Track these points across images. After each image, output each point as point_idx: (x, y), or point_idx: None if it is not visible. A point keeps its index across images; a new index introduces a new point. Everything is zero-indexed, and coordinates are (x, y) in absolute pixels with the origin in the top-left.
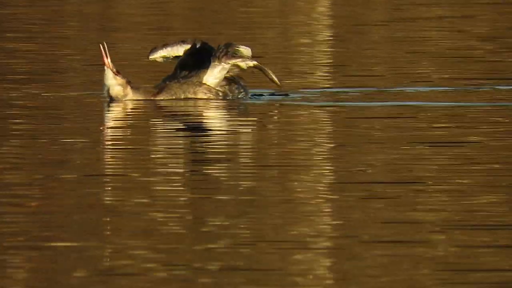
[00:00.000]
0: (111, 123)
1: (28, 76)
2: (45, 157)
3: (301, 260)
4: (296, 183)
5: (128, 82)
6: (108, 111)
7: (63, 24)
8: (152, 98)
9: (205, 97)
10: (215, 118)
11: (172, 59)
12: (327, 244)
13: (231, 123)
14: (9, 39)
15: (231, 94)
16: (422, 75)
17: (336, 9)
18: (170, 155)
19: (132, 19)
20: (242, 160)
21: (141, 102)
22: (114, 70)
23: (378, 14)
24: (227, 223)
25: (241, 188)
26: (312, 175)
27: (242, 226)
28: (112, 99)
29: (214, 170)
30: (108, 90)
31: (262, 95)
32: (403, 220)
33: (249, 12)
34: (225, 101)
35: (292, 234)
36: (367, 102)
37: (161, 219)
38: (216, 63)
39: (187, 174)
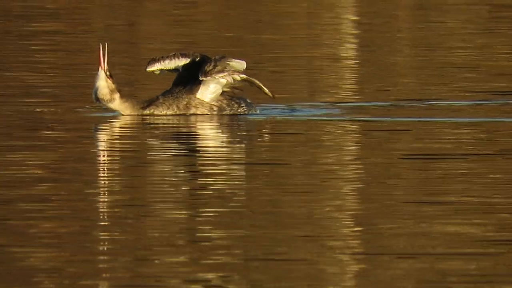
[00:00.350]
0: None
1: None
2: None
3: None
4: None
5: (118, 90)
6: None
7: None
8: (140, 111)
9: (198, 112)
10: (203, 133)
11: (170, 72)
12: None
13: (220, 138)
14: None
15: (228, 109)
16: (451, 87)
17: (363, 21)
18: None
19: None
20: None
21: (131, 117)
22: (108, 73)
23: (404, 23)
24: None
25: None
26: (338, 204)
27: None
28: (98, 100)
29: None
30: (96, 91)
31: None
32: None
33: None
34: (220, 116)
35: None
36: (386, 116)
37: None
38: (203, 78)
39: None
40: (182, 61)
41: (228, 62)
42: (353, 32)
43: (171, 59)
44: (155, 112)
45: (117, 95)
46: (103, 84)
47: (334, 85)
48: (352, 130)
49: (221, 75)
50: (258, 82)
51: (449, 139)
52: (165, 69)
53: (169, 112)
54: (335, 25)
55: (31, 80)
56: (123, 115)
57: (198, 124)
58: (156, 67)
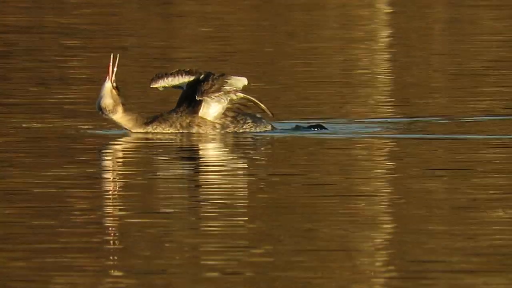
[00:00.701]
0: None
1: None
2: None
3: None
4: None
5: (123, 103)
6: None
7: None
8: (143, 126)
9: (201, 130)
10: (203, 151)
11: (174, 88)
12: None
13: (218, 157)
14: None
15: (232, 126)
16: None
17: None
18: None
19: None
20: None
21: (136, 134)
22: (114, 84)
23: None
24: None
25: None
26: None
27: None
28: (100, 110)
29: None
30: (100, 100)
31: (298, 126)
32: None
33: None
34: (222, 134)
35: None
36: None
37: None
38: (199, 97)
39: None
40: (186, 79)
41: (227, 80)
42: (386, 45)
43: (174, 76)
44: (157, 129)
45: (120, 108)
46: (107, 94)
47: (365, 101)
48: (384, 147)
49: (217, 94)
50: (256, 100)
51: (483, 153)
52: (169, 86)
53: (171, 130)
54: (368, 41)
55: (65, 95)
56: (125, 129)
57: (204, 142)
58: (160, 84)
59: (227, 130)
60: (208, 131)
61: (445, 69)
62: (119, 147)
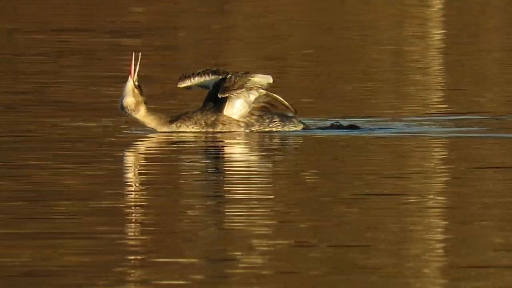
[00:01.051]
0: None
1: None
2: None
3: None
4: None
5: (145, 102)
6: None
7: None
8: (167, 125)
9: (225, 129)
10: (225, 150)
11: (201, 88)
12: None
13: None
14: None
15: (257, 124)
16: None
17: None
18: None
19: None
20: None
21: (161, 134)
22: (136, 83)
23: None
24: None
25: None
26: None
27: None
28: (123, 109)
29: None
30: (122, 99)
31: (339, 124)
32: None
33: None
34: (248, 132)
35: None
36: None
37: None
38: (220, 95)
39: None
40: (212, 78)
41: (250, 78)
42: (441, 43)
43: (201, 76)
44: (181, 128)
45: (142, 107)
46: (129, 93)
47: (420, 98)
48: (440, 144)
49: (239, 91)
50: (279, 97)
51: None
52: (196, 85)
53: (195, 128)
54: (422, 38)
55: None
56: (148, 127)
57: (228, 140)
58: (186, 83)
59: (252, 129)
60: (232, 129)
61: (501, 65)
62: (143, 146)
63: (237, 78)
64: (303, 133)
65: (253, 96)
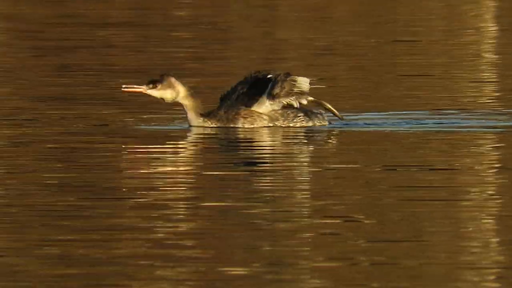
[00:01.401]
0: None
1: None
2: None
3: None
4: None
5: (189, 87)
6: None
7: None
8: (198, 115)
9: (247, 124)
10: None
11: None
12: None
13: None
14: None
15: (282, 119)
16: None
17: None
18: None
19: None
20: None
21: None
22: (150, 85)
23: None
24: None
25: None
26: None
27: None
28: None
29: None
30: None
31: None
32: None
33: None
34: (274, 127)
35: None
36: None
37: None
38: (270, 102)
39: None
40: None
41: (294, 82)
42: (493, 38)
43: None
44: (206, 123)
45: (182, 88)
46: (158, 95)
47: (472, 92)
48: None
49: (288, 99)
50: (325, 103)
51: None
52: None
53: (219, 124)
54: (475, 35)
55: None
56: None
57: (256, 135)
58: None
59: (276, 123)
60: (256, 124)
61: None
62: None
63: (284, 83)
64: (340, 128)
65: (302, 102)
